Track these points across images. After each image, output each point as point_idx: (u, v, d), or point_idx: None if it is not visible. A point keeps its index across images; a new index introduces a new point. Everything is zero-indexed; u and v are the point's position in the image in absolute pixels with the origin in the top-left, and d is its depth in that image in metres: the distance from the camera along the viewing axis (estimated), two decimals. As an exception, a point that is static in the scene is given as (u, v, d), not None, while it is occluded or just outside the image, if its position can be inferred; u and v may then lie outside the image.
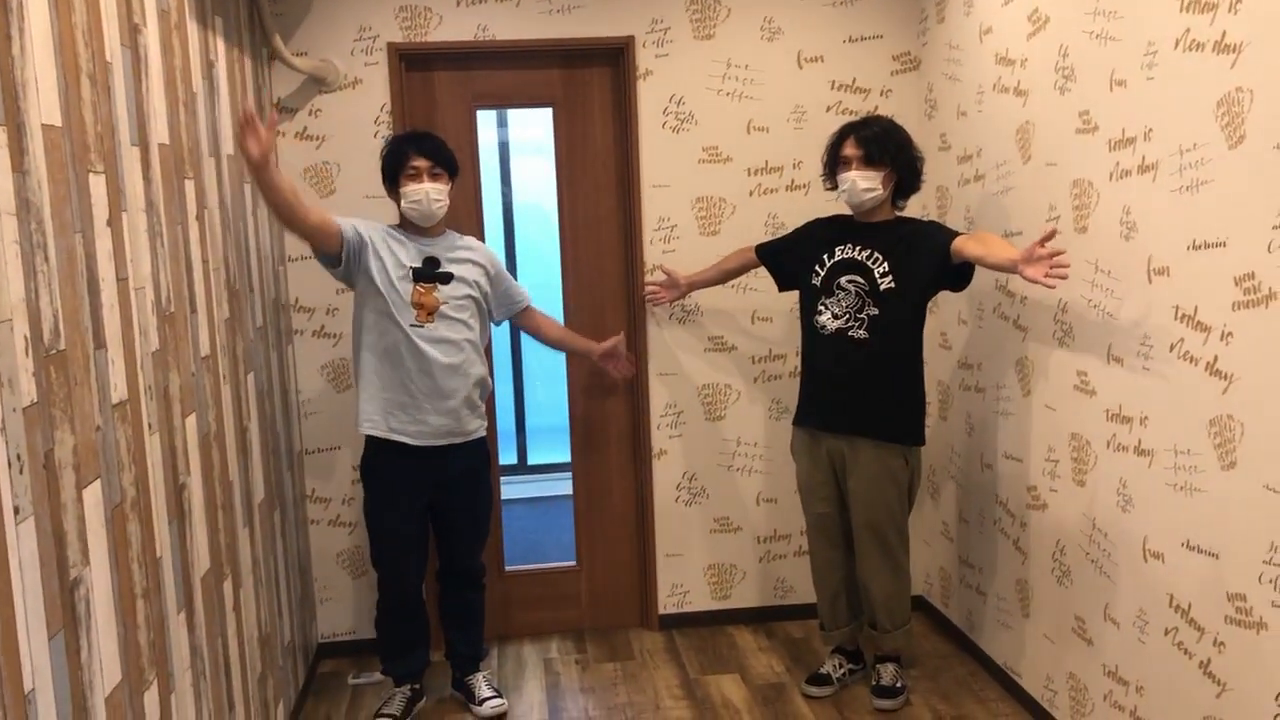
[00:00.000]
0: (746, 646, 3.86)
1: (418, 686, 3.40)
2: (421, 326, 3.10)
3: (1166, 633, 2.54)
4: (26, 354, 1.56)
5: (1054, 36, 2.93)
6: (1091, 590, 2.87)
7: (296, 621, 3.48)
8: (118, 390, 1.93)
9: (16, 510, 1.50)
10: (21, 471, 1.52)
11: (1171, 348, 2.45)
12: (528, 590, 4.04)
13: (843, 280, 3.22)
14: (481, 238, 3.77)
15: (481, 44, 3.69)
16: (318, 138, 3.65)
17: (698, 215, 3.84)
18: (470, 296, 3.19)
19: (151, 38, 2.28)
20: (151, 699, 2.02)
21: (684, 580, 4.02)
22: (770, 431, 3.97)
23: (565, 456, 4.07)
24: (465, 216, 3.73)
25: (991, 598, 3.50)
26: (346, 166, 3.66)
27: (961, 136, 3.57)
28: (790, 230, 3.55)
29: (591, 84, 3.83)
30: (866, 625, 3.43)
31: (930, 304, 3.30)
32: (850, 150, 3.19)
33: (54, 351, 1.66)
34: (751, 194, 3.85)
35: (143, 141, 2.16)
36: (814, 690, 3.44)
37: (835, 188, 3.28)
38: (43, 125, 1.67)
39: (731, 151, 3.82)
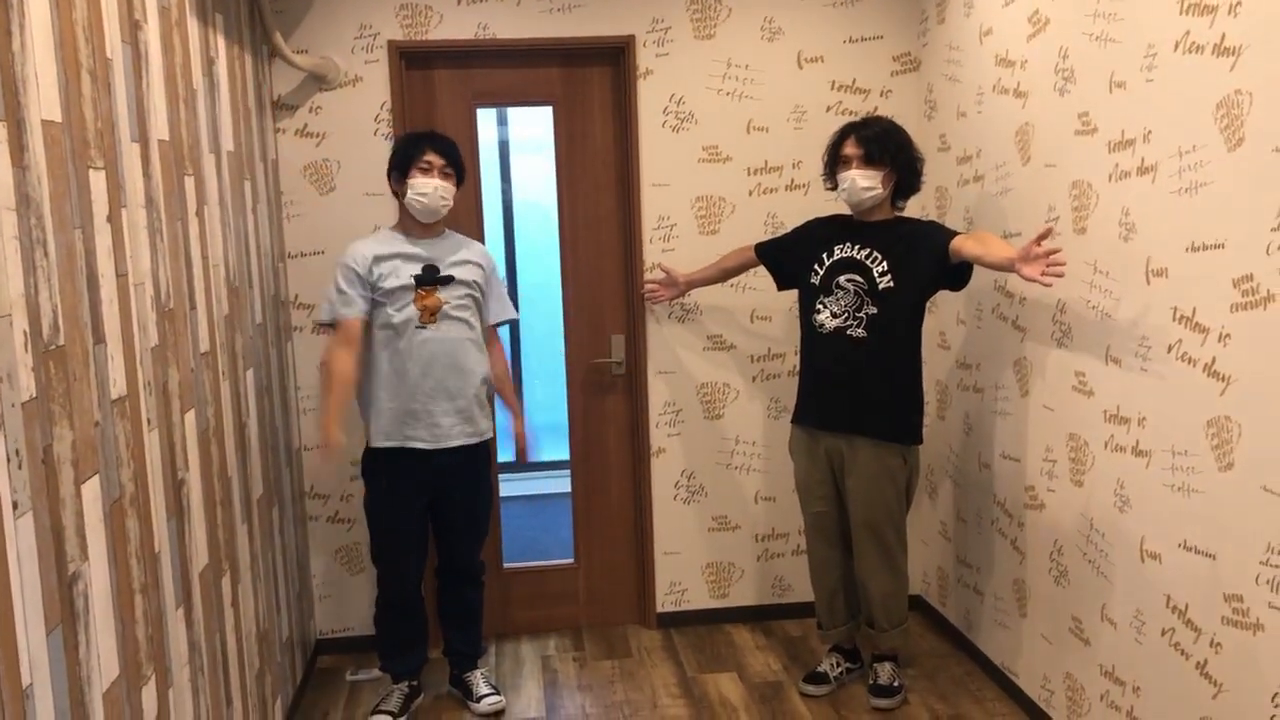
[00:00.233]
0: (744, 645, 3.86)
1: (415, 683, 3.41)
2: (425, 329, 3.11)
3: (1163, 633, 2.54)
4: (26, 349, 1.56)
5: (1054, 38, 2.93)
6: (1089, 590, 2.87)
7: (295, 617, 3.48)
8: (117, 386, 1.93)
9: (15, 505, 1.50)
10: (20, 466, 1.52)
11: (1170, 349, 2.46)
12: (526, 588, 4.04)
13: (841, 279, 3.22)
14: (481, 236, 3.77)
15: (482, 42, 3.69)
16: (318, 135, 3.65)
17: (697, 214, 3.84)
18: (470, 295, 3.20)
19: (152, 34, 2.29)
20: (149, 694, 2.02)
21: (682, 578, 4.02)
22: (769, 430, 3.97)
23: (564, 454, 4.07)
24: (465, 215, 3.74)
25: (989, 597, 3.50)
26: (346, 164, 3.66)
27: (961, 137, 3.57)
28: (790, 229, 3.55)
29: (592, 83, 3.83)
30: (864, 624, 3.43)
31: (929, 304, 3.31)
32: (850, 149, 3.19)
33: (53, 347, 1.66)
34: (751, 193, 3.85)
35: (143, 138, 2.16)
36: (811, 689, 3.45)
37: (835, 187, 3.29)
38: (43, 121, 1.67)
39: (731, 151, 3.83)
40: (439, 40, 3.66)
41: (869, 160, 3.16)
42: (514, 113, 4.81)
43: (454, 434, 3.17)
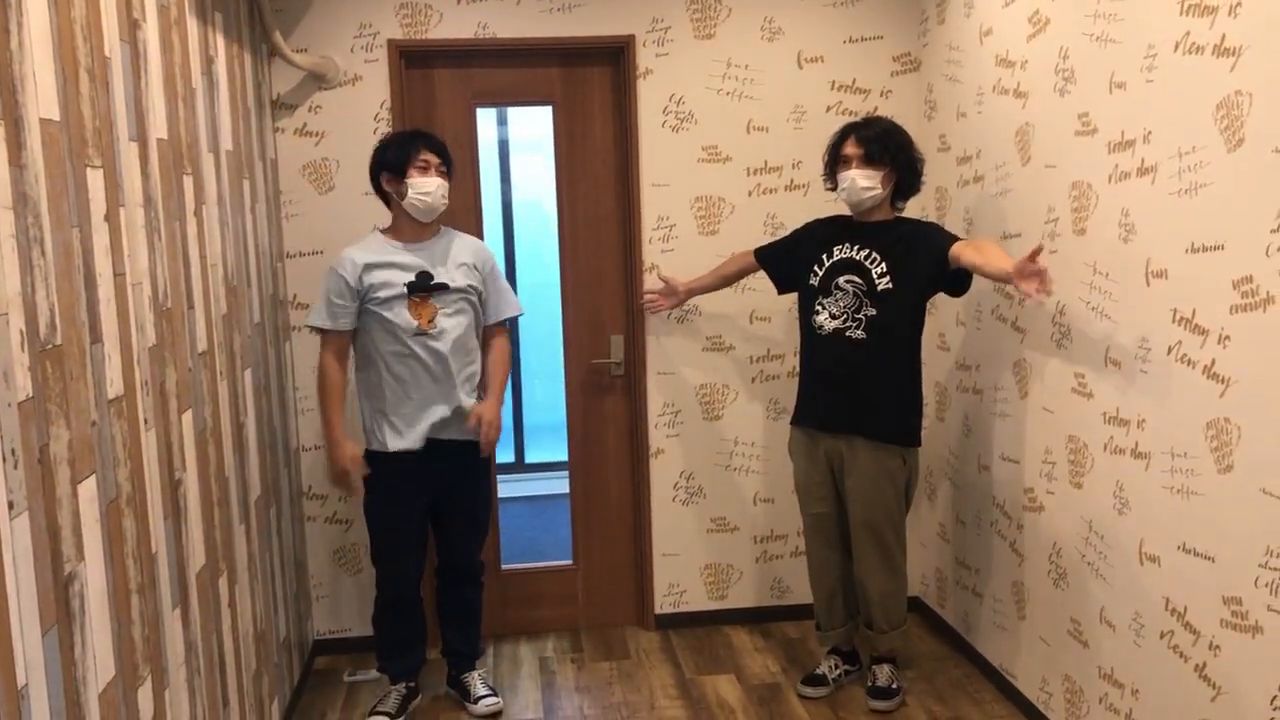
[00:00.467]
0: (742, 646, 3.86)
1: (413, 684, 3.40)
2: (420, 334, 3.11)
3: (1162, 636, 2.54)
4: (22, 348, 1.56)
5: (1054, 38, 2.93)
6: (1087, 592, 2.87)
7: (292, 618, 3.48)
8: (114, 385, 1.93)
9: (11, 505, 1.50)
10: (16, 466, 1.52)
11: (1169, 350, 2.45)
12: (524, 589, 4.03)
13: (840, 280, 3.22)
14: (480, 236, 3.76)
15: (482, 42, 3.68)
16: (317, 134, 3.65)
17: (697, 214, 3.84)
18: (466, 300, 3.19)
19: (151, 33, 2.28)
20: (145, 695, 2.02)
21: (680, 580, 4.01)
22: (768, 431, 3.97)
23: (563, 455, 4.07)
24: (464, 214, 3.73)
25: (988, 599, 3.50)
26: (345, 163, 3.65)
27: (961, 138, 3.57)
28: (789, 231, 3.55)
29: (591, 82, 3.83)
30: (863, 626, 3.43)
31: (929, 305, 3.30)
32: (851, 149, 3.19)
33: (50, 346, 1.66)
34: (751, 194, 3.85)
35: (141, 137, 2.16)
36: (809, 691, 3.44)
37: (835, 187, 3.29)
38: (41, 120, 1.66)
39: (731, 151, 3.82)
40: (439, 40, 3.66)
41: (869, 160, 3.16)
42: (514, 112, 4.81)
43: (452, 435, 3.18)
